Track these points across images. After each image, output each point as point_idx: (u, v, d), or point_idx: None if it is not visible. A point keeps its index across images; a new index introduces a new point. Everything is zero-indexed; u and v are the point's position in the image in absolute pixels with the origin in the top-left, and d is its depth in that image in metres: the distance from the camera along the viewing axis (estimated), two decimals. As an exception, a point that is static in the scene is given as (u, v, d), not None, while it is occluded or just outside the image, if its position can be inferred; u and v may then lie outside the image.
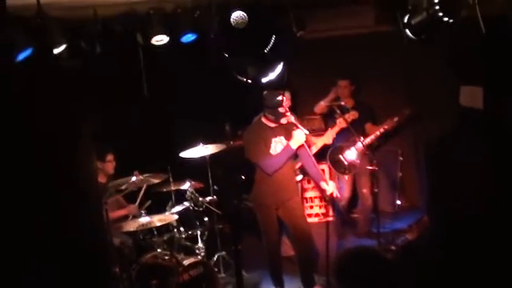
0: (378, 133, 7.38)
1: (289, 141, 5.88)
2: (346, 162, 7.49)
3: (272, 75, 4.25)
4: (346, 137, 7.43)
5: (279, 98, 5.76)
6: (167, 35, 5.92)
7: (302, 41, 6.98)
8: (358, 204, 8.01)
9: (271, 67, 4.22)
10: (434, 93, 7.75)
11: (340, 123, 7.05)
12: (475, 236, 6.12)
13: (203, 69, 6.87)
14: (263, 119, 6.00)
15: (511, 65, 6.78)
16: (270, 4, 5.08)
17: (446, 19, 5.08)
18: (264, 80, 4.52)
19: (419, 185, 8.33)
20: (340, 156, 7.50)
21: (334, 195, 6.05)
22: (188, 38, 5.98)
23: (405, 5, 5.49)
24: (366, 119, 7.57)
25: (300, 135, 5.79)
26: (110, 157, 6.55)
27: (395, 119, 7.37)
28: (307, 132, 5.93)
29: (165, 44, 5.99)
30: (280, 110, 5.80)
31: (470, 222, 6.45)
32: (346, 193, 7.76)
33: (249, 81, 4.63)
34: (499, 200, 6.70)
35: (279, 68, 4.23)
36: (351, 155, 7.45)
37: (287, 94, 5.90)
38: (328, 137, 7.21)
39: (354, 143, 7.37)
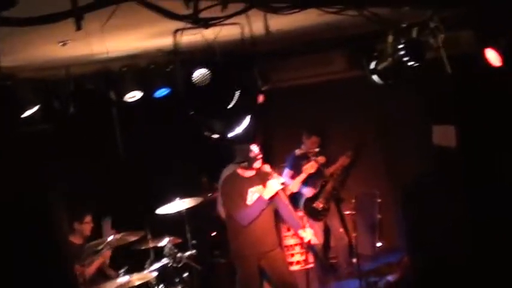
0: (338, 171, 7.55)
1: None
2: (319, 209, 7.58)
3: (238, 130, 4.29)
4: (312, 184, 7.52)
5: (251, 146, 5.81)
6: (140, 91, 5.95)
7: (275, 89, 7.09)
8: (334, 246, 7.98)
9: (236, 122, 4.25)
10: (408, 133, 7.85)
11: (306, 170, 7.12)
12: (455, 274, 6.17)
13: (178, 123, 6.89)
14: (238, 170, 6.00)
15: (481, 102, 6.92)
16: (236, 59, 5.15)
17: (411, 63, 5.17)
18: (231, 134, 4.56)
19: (399, 225, 8.33)
20: (314, 204, 7.58)
21: (312, 242, 6.03)
22: (161, 93, 6.02)
23: (372, 51, 5.59)
24: (331, 163, 7.69)
25: (272, 185, 5.79)
26: (87, 218, 6.45)
27: (349, 153, 7.60)
28: (283, 180, 5.93)
29: (138, 100, 6.02)
30: (251, 155, 5.82)
31: (449, 262, 6.51)
32: (320, 238, 7.76)
33: (216, 136, 4.66)
34: (475, 237, 6.76)
35: (246, 122, 4.27)
36: (322, 199, 7.55)
37: (256, 146, 5.92)
38: (294, 185, 7.26)
39: (321, 188, 7.48)
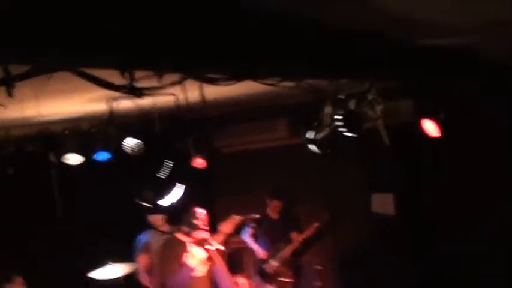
0: (298, 241, 7.53)
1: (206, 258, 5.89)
2: (269, 271, 7.63)
3: (170, 199, 4.29)
4: (269, 245, 7.55)
5: (198, 210, 5.84)
6: (81, 154, 5.94)
7: (219, 155, 7.15)
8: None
9: (167, 191, 4.26)
10: (350, 201, 7.96)
11: (222, 229, 7.15)
12: None
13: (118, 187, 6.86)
14: (178, 235, 5.99)
15: (420, 171, 7.11)
16: (172, 127, 5.21)
17: (348, 134, 5.26)
18: (162, 203, 4.55)
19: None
20: (265, 266, 7.63)
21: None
22: (102, 156, 6.01)
23: (310, 121, 5.69)
24: (292, 228, 7.77)
25: (197, 253, 5.81)
26: (18, 280, 6.30)
27: (315, 225, 7.55)
28: (222, 248, 5.93)
29: (78, 164, 6.01)
30: (196, 222, 5.83)
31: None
32: None
33: (147, 205, 4.67)
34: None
35: (177, 191, 4.28)
36: (274, 263, 7.59)
37: (203, 213, 5.94)
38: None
39: (276, 252, 7.48)
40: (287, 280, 7.19)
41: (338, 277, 8.35)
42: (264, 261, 7.72)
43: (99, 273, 6.36)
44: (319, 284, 8.25)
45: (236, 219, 6.52)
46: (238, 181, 8.32)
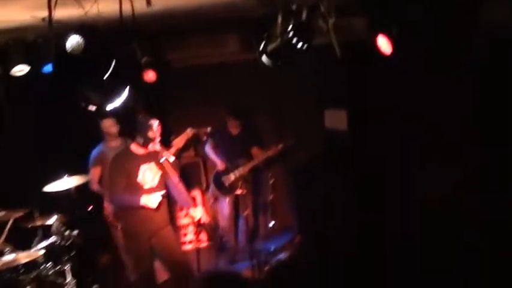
0: (260, 158, 7.62)
1: (159, 169, 5.89)
2: (227, 183, 7.73)
3: (117, 102, 4.21)
4: (231, 157, 7.62)
5: (151, 122, 5.80)
6: (28, 65, 5.79)
7: (171, 68, 7.06)
8: (240, 225, 8.08)
9: (114, 94, 4.18)
10: (301, 118, 8.02)
11: (176, 143, 7.19)
12: (342, 257, 6.37)
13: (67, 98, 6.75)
14: (132, 146, 5.96)
15: (372, 87, 7.15)
16: (117, 33, 5.08)
17: (300, 45, 5.25)
18: (108, 107, 4.47)
19: (291, 206, 8.53)
20: (223, 178, 7.72)
21: (202, 220, 6.10)
22: (49, 68, 5.87)
23: (263, 33, 5.65)
24: (253, 143, 7.79)
25: (152, 201, 5.81)
26: None
27: (280, 146, 7.61)
28: (173, 159, 5.94)
29: (25, 75, 5.87)
30: (150, 134, 5.80)
31: (336, 245, 6.72)
32: (227, 213, 7.93)
33: (92, 108, 4.58)
34: (363, 217, 7.01)
35: (124, 94, 4.19)
36: (232, 176, 7.69)
37: (157, 124, 5.90)
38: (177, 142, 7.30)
39: (236, 166, 7.57)
40: (242, 193, 7.29)
41: (290, 191, 8.51)
42: (222, 173, 7.80)
43: (55, 186, 6.36)
44: (271, 196, 8.42)
45: (188, 133, 6.52)
46: (190, 95, 8.26)
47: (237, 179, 7.71)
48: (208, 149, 7.89)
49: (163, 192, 5.92)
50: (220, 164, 7.82)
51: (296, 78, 7.59)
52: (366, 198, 7.09)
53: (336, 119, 7.72)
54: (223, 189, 7.80)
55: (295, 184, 8.22)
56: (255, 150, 7.81)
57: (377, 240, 6.67)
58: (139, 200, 5.75)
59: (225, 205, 7.91)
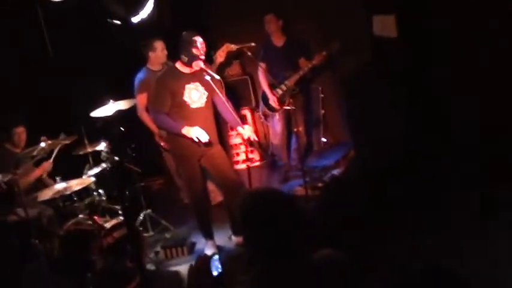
0: (305, 69, 7.28)
1: (205, 88, 5.72)
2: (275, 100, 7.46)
3: (143, 14, 3.96)
4: (277, 72, 7.38)
5: (195, 38, 5.57)
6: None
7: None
8: (293, 143, 7.91)
9: (138, 5, 3.92)
10: (348, 25, 7.65)
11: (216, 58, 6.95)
12: (398, 169, 6.18)
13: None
14: (177, 65, 5.78)
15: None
16: None
17: None
18: (135, 19, 4.20)
19: (343, 120, 8.28)
20: (270, 95, 7.45)
21: (252, 139, 5.94)
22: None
23: None
24: (299, 54, 7.43)
25: (193, 132, 5.58)
26: (20, 129, 6.24)
27: (324, 53, 7.24)
28: (218, 77, 5.73)
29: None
30: (195, 51, 5.59)
31: (393, 156, 6.51)
32: (279, 130, 7.68)
33: (118, 22, 4.33)
34: (416, 126, 6.76)
35: (149, 5, 3.93)
36: (279, 90, 7.43)
37: (201, 41, 5.67)
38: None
39: (282, 80, 7.33)
40: (291, 108, 7.03)
41: (341, 104, 8.25)
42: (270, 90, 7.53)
43: (101, 112, 6.25)
44: (322, 111, 8.20)
45: (228, 46, 6.27)
46: (233, 10, 7.97)
47: (284, 93, 7.41)
48: (261, 72, 7.56)
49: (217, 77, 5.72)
50: (265, 83, 7.53)
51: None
52: (418, 108, 6.81)
53: (384, 25, 7.35)
54: (271, 107, 7.53)
55: (345, 96, 7.92)
56: (302, 62, 7.44)
57: (433, 151, 6.43)
58: (181, 128, 5.60)
59: (275, 122, 7.69)
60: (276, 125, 7.70)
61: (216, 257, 2.91)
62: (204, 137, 5.58)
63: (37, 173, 6.23)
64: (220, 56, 6.03)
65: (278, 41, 7.52)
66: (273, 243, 2.46)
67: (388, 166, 6.21)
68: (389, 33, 7.24)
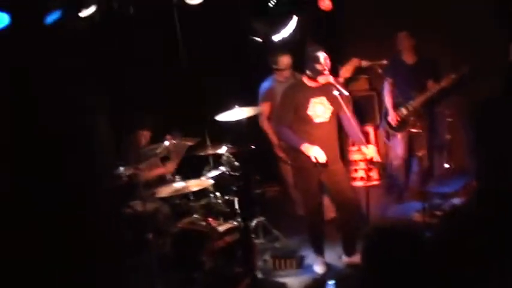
0: (433, 90, 7.08)
1: (330, 103, 5.66)
2: (398, 119, 7.32)
3: (284, 32, 3.92)
4: (404, 90, 7.23)
5: (317, 53, 5.53)
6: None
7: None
8: (413, 166, 7.68)
9: (281, 23, 3.88)
10: (483, 51, 7.35)
11: (343, 73, 6.79)
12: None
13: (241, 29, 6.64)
14: (304, 78, 5.78)
15: None
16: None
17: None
18: (276, 38, 4.18)
19: (469, 148, 7.94)
20: (391, 113, 7.33)
21: (374, 159, 5.82)
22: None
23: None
24: (429, 75, 7.24)
25: (312, 151, 5.56)
26: (146, 133, 6.47)
27: (453, 76, 7.01)
28: (347, 93, 5.65)
29: (200, 3, 5.81)
30: (318, 66, 5.55)
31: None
32: (400, 152, 7.50)
33: (260, 40, 4.32)
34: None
35: (292, 23, 3.89)
36: (404, 110, 7.26)
37: (323, 55, 5.62)
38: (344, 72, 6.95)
39: (408, 100, 7.15)
40: (416, 130, 6.83)
41: (468, 131, 7.91)
42: (394, 108, 7.36)
43: (226, 116, 6.32)
44: (448, 136, 7.90)
45: (355, 62, 6.18)
46: (366, 25, 7.82)
47: (409, 114, 7.22)
48: (386, 91, 7.41)
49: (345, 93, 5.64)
50: (389, 101, 7.35)
51: (481, 8, 6.89)
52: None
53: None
54: (394, 126, 7.36)
55: (475, 124, 7.58)
56: (430, 84, 7.22)
57: None
58: (301, 144, 5.60)
59: (397, 143, 7.50)
60: (398, 146, 7.51)
61: (333, 282, 2.84)
62: (322, 158, 5.55)
63: (159, 171, 6.42)
64: (347, 71, 5.97)
65: (409, 58, 7.32)
66: (394, 283, 2.34)
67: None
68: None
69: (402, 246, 2.35)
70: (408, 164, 7.63)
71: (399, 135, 7.39)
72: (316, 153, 5.53)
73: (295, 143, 5.66)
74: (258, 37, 4.27)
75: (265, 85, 6.87)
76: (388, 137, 7.56)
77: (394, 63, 7.34)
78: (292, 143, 5.73)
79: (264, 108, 6.80)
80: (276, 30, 4.00)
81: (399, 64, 7.34)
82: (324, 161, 5.57)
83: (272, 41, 4.49)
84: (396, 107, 7.29)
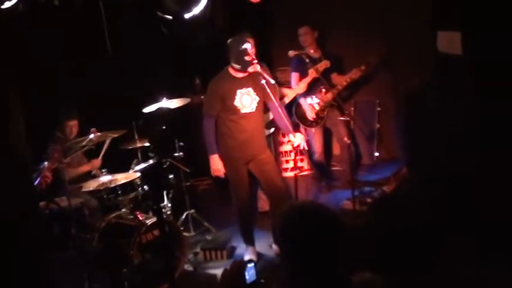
0: (344, 83, 7.11)
1: (257, 93, 5.63)
2: (311, 118, 7.34)
3: (196, 10, 3.87)
4: (314, 89, 7.21)
5: (244, 45, 5.47)
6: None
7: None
8: (338, 155, 7.73)
9: (192, 1, 3.83)
10: (411, 39, 7.45)
11: (312, 73, 6.80)
12: (454, 192, 5.92)
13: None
14: (230, 70, 5.71)
15: (490, 7, 6.50)
16: None
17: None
18: (187, 15, 4.11)
19: (398, 136, 8.05)
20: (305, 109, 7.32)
21: (301, 147, 5.81)
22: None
23: None
24: (332, 69, 7.25)
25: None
26: (73, 122, 6.31)
27: (362, 67, 7.08)
28: (273, 82, 5.62)
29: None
30: (246, 58, 5.50)
31: (452, 176, 6.25)
32: (317, 146, 7.51)
33: (169, 17, 4.25)
34: (483, 147, 6.48)
35: (202, 2, 3.84)
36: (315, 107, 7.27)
37: (251, 41, 5.59)
38: (300, 88, 6.99)
39: (319, 95, 7.17)
40: (343, 119, 6.88)
41: (398, 120, 8.02)
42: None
43: (152, 108, 6.22)
44: (378, 125, 8.01)
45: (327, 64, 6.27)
46: (294, 14, 7.85)
47: (321, 109, 7.26)
48: (294, 83, 7.37)
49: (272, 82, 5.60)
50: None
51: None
52: (489, 133, 6.53)
53: (449, 42, 7.10)
54: (307, 121, 7.39)
55: (404, 112, 7.69)
56: (334, 76, 7.24)
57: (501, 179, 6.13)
58: (210, 153, 5.76)
59: (313, 138, 7.52)
60: (314, 141, 7.52)
61: (252, 264, 2.81)
62: (219, 174, 5.78)
63: (85, 168, 6.32)
64: (317, 72, 6.01)
65: (314, 52, 7.24)
66: (312, 261, 2.33)
67: (445, 188, 5.98)
68: (454, 50, 7.01)
69: (310, 224, 2.34)
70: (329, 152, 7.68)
71: (313, 130, 7.42)
72: (215, 169, 5.74)
73: (208, 145, 5.75)
74: (168, 14, 4.18)
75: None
76: (306, 130, 7.54)
77: (299, 57, 7.25)
78: (206, 142, 5.77)
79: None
80: (186, 7, 3.93)
81: (305, 57, 7.25)
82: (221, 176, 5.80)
83: (182, 19, 4.42)
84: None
